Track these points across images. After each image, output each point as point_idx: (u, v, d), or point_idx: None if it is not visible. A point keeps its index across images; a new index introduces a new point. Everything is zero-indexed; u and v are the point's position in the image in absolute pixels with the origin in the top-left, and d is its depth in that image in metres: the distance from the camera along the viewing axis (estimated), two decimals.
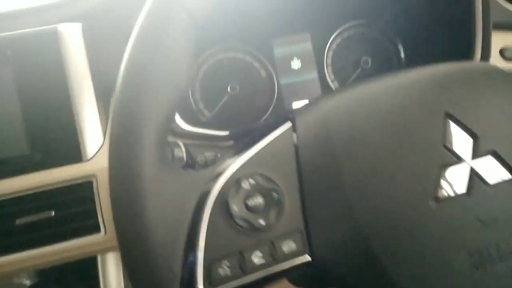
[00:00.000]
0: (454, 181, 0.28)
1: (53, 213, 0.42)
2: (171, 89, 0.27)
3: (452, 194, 0.27)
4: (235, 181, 0.28)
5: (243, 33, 0.64)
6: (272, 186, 0.29)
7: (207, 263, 0.26)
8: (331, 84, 0.66)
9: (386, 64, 0.67)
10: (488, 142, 0.29)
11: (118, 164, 0.26)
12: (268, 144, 0.31)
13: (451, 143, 0.28)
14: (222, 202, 0.28)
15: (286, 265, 0.28)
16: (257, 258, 0.27)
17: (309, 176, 0.29)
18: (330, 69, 0.67)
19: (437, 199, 0.27)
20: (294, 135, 0.31)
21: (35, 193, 0.43)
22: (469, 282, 0.27)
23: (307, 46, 0.67)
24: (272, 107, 0.65)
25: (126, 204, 0.26)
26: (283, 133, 0.32)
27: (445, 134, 0.29)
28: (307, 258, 0.28)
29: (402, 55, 0.67)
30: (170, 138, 0.46)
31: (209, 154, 0.45)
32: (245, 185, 0.28)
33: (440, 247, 0.27)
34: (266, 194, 0.28)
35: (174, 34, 0.27)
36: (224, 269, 0.27)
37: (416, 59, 0.65)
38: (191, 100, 0.63)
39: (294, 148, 0.30)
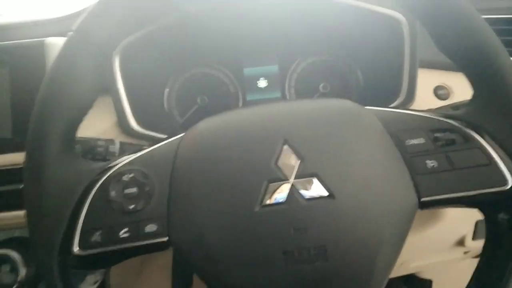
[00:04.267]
0: (278, 193, 0.35)
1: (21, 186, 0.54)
2: (72, 103, 0.37)
3: (274, 202, 0.35)
4: (118, 173, 0.37)
5: (218, 52, 0.74)
6: (146, 181, 0.37)
7: (83, 231, 0.35)
8: None
9: (344, 89, 0.74)
10: (313, 166, 0.35)
11: (30, 150, 0.36)
12: (156, 148, 0.40)
13: (282, 163, 0.36)
14: (105, 188, 0.37)
15: (146, 242, 0.36)
16: (123, 233, 0.36)
17: (177, 179, 0.37)
18: (292, 90, 0.75)
19: (262, 205, 0.35)
20: (177, 145, 0.39)
21: (11, 169, 0.55)
22: (281, 276, 0.34)
23: (274, 68, 0.75)
24: None
25: (30, 177, 0.36)
26: (171, 142, 0.40)
27: (279, 156, 0.36)
28: (164, 239, 0.36)
29: (362, 80, 0.73)
30: (120, 137, 0.56)
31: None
32: (126, 178, 0.37)
33: (262, 244, 0.34)
34: (140, 186, 0.37)
35: (80, 62, 0.37)
36: (95, 237, 0.35)
37: (372, 86, 0.71)
38: (166, 107, 0.73)
39: (174, 155, 0.39)
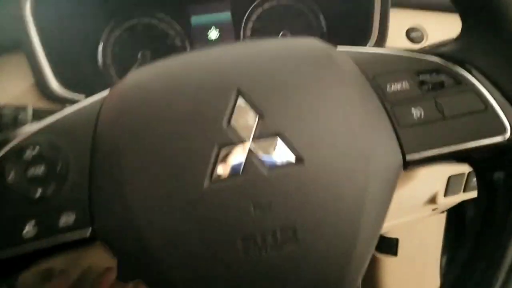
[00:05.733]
0: (232, 161, 0.27)
1: None
2: None
3: (227, 174, 0.27)
4: (18, 149, 0.28)
5: None
6: (58, 156, 0.28)
7: None
8: None
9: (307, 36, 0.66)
10: (275, 123, 0.28)
11: None
12: (71, 112, 0.30)
13: (236, 122, 0.27)
14: (1, 170, 0.27)
15: (62, 238, 0.27)
16: (29, 230, 0.27)
17: (100, 150, 0.28)
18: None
19: (212, 179, 0.27)
20: (100, 106, 0.30)
21: None
22: (240, 269, 0.27)
23: (226, 15, 0.65)
24: None
25: None
26: (91, 102, 0.31)
27: (232, 113, 0.28)
28: (87, 231, 0.28)
29: (324, 26, 0.65)
30: (39, 103, 0.46)
31: None
32: (29, 153, 0.28)
33: (214, 230, 0.26)
34: (50, 164, 0.28)
35: None
36: None
37: (337, 30, 0.63)
38: (100, 64, 0.62)
39: (95, 119, 0.30)
